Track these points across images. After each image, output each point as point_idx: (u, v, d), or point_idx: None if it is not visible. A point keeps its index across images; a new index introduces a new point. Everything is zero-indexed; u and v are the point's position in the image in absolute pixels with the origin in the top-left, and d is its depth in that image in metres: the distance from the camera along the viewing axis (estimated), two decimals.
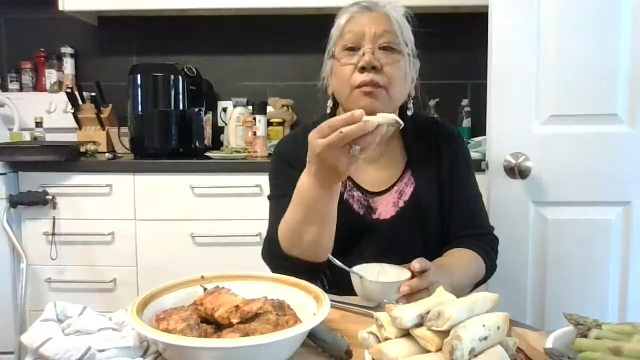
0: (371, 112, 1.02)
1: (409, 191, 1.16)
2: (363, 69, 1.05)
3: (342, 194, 1.13)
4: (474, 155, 1.96)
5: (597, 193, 1.58)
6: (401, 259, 0.96)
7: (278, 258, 1.02)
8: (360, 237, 1.13)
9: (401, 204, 1.15)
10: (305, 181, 0.94)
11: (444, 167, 1.18)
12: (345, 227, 1.05)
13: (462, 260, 1.11)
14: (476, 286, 1.14)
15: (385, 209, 1.15)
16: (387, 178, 1.18)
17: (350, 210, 1.14)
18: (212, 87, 2.55)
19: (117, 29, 2.64)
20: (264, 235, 1.11)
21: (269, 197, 1.20)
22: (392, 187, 1.16)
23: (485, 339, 0.62)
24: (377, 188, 1.16)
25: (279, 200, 1.09)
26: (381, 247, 1.11)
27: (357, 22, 1.09)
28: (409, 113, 1.17)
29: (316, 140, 0.85)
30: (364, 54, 1.06)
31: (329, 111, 1.19)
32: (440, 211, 1.16)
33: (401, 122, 0.86)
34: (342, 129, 0.82)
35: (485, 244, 1.18)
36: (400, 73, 1.08)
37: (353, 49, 1.08)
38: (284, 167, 1.17)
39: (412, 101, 1.17)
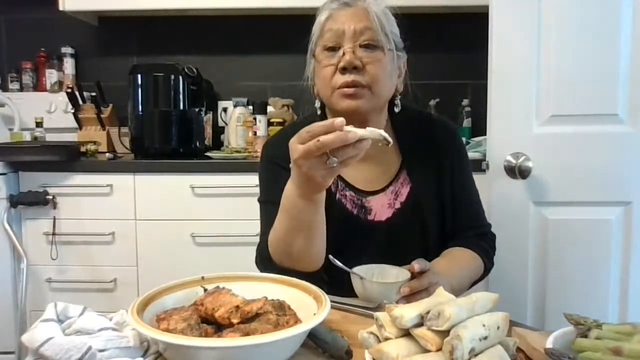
0: (354, 113, 1.01)
1: (405, 192, 1.13)
2: (344, 70, 1.02)
3: (333, 194, 1.11)
4: (474, 155, 1.97)
5: (597, 193, 1.57)
6: (400, 261, 0.96)
7: (271, 269, 0.99)
8: (356, 238, 1.10)
9: (397, 205, 1.12)
10: (289, 189, 0.91)
11: (443, 166, 1.15)
12: (339, 228, 1.03)
13: (461, 260, 1.11)
14: (473, 284, 1.13)
15: (380, 210, 1.12)
16: (380, 177, 1.14)
17: (343, 210, 1.11)
18: (212, 87, 2.55)
19: (117, 29, 2.64)
20: None
21: (259, 201, 1.16)
22: (387, 187, 1.13)
23: (485, 338, 0.62)
24: (369, 187, 1.13)
25: (268, 205, 1.06)
26: (379, 249, 1.09)
27: (336, 19, 1.05)
28: (396, 110, 1.14)
29: (294, 145, 0.81)
30: (344, 54, 1.02)
31: (319, 112, 1.15)
32: (439, 211, 1.14)
33: (389, 139, 0.80)
34: (319, 137, 0.76)
35: (485, 242, 1.17)
36: (384, 70, 1.04)
37: (333, 49, 1.04)
38: (272, 167, 1.13)
39: (399, 96, 1.13)
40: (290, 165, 0.86)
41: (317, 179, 0.82)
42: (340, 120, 0.76)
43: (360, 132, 0.77)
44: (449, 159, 1.16)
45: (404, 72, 1.13)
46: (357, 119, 0.98)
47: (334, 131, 0.76)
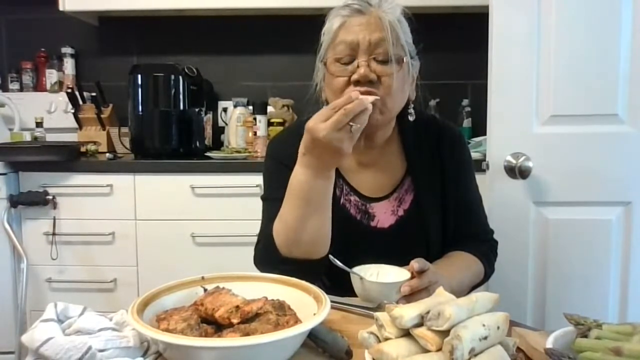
0: (366, 126, 0.98)
1: (408, 199, 1.12)
2: (357, 83, 0.99)
3: (338, 198, 1.10)
4: (474, 155, 1.97)
5: (597, 193, 1.57)
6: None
7: (277, 262, 0.98)
8: (358, 244, 1.08)
9: (400, 212, 1.12)
10: (300, 174, 0.93)
11: (448, 172, 1.14)
12: (342, 233, 1.02)
13: (462, 262, 1.10)
14: (473, 288, 1.13)
15: (384, 216, 1.11)
16: (385, 183, 1.13)
17: (347, 215, 1.11)
18: (212, 87, 2.56)
19: (117, 29, 2.64)
20: None
21: (263, 198, 1.15)
22: (391, 193, 1.13)
23: (485, 338, 0.62)
24: (374, 193, 1.13)
25: (272, 203, 1.05)
26: (380, 256, 1.05)
27: (350, 29, 1.01)
28: (411, 118, 1.10)
29: (319, 124, 0.86)
30: (358, 66, 0.99)
31: None
32: (442, 218, 1.13)
33: (372, 100, 0.89)
34: (345, 107, 0.85)
35: (487, 248, 1.17)
36: (398, 83, 1.01)
37: (346, 61, 1.02)
38: (276, 166, 1.12)
39: (412, 105, 1.10)
40: (304, 150, 0.90)
41: (345, 149, 0.88)
42: (355, 92, 0.87)
43: (370, 98, 0.89)
44: (454, 166, 1.15)
45: (416, 79, 1.10)
46: (365, 130, 0.95)
47: (352, 102, 0.85)
